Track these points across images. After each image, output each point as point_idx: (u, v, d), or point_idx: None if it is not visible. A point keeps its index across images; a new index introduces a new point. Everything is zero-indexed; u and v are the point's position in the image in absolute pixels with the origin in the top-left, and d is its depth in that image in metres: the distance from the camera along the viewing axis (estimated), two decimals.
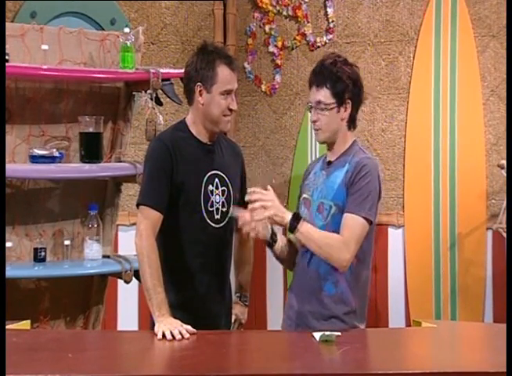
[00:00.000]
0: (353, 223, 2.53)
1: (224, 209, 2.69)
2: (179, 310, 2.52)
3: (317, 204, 2.63)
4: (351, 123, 2.66)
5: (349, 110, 2.63)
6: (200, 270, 2.66)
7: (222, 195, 2.69)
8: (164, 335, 2.35)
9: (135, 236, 2.58)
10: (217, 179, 2.69)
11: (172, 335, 2.34)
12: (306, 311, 2.62)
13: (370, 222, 2.56)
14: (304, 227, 2.52)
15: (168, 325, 2.39)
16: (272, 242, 2.66)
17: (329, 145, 2.67)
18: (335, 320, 2.58)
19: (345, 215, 2.55)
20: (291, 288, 2.72)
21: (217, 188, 2.68)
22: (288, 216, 2.51)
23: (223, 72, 2.61)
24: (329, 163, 2.67)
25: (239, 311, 2.86)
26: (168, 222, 2.62)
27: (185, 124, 2.71)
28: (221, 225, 2.69)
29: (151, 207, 2.58)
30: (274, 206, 2.50)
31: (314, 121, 2.63)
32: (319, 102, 2.60)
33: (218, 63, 2.60)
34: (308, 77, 2.69)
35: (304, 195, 2.68)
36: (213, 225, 2.67)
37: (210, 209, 2.66)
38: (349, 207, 2.55)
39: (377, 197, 2.60)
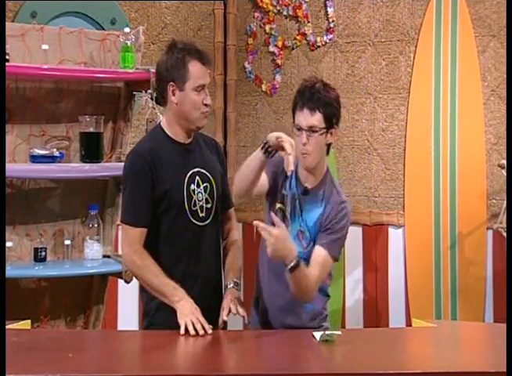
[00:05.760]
0: (325, 263, 2.52)
1: (208, 205, 2.66)
2: (167, 311, 2.51)
3: (296, 230, 2.59)
4: (328, 147, 2.63)
5: (334, 135, 2.59)
6: (188, 271, 2.62)
7: (205, 191, 2.65)
8: (186, 330, 2.38)
9: (122, 251, 2.66)
10: (197, 177, 2.64)
11: (196, 330, 2.38)
12: (287, 325, 2.62)
13: (336, 261, 2.58)
14: (303, 267, 2.43)
15: (191, 316, 2.41)
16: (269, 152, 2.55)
17: (311, 170, 2.61)
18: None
19: (320, 249, 2.52)
20: (268, 302, 2.66)
21: (198, 186, 2.64)
22: (293, 255, 2.38)
23: (194, 68, 2.56)
24: (306, 190, 2.62)
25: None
26: (153, 226, 2.60)
27: (161, 128, 2.67)
28: (207, 222, 2.65)
29: (134, 226, 2.57)
30: (276, 243, 2.35)
31: (304, 144, 2.54)
32: (312, 126, 2.54)
33: (189, 59, 2.56)
34: (296, 98, 2.59)
35: (280, 205, 2.61)
36: (198, 223, 2.63)
37: (194, 208, 2.62)
38: (324, 243, 2.53)
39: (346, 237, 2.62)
